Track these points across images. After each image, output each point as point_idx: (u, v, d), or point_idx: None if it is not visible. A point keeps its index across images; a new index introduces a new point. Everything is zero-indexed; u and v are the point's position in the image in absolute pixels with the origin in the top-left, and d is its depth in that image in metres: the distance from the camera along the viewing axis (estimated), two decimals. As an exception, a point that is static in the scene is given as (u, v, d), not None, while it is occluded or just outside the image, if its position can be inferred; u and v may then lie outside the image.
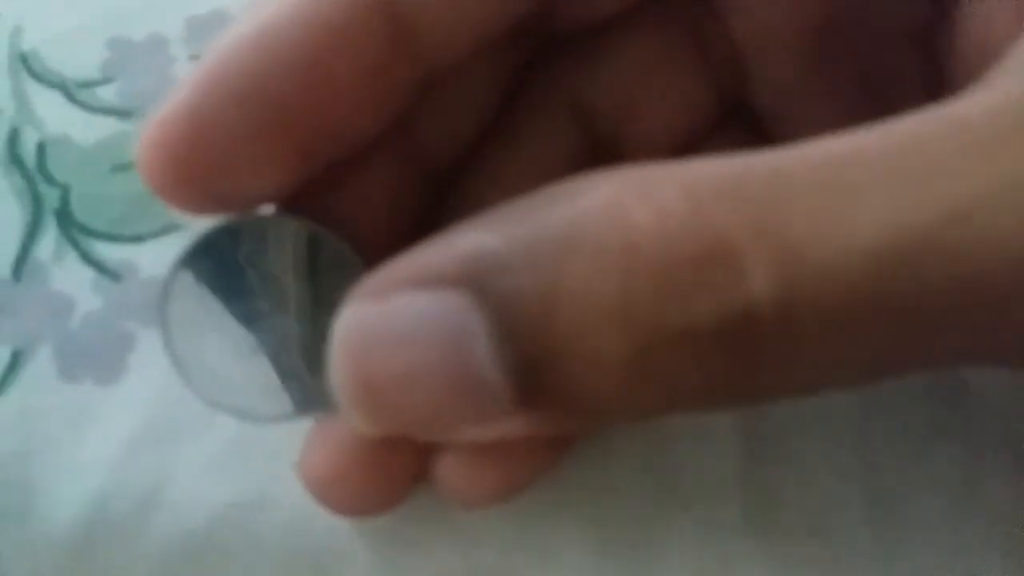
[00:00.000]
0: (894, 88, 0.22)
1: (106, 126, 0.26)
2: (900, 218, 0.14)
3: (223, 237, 0.19)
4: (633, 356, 0.15)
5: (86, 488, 0.22)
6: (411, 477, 0.20)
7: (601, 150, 0.22)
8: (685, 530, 0.22)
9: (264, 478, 0.22)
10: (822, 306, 0.14)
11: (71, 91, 0.27)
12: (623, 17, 0.22)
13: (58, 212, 0.25)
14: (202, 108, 0.17)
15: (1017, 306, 0.15)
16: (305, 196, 0.19)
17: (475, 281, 0.15)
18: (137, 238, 0.25)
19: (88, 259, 0.24)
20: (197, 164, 0.17)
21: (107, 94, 0.27)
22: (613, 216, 0.15)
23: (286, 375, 0.19)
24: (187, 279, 0.19)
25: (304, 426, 0.21)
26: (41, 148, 0.26)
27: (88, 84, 0.27)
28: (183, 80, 0.17)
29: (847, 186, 0.14)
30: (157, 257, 0.24)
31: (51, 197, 0.25)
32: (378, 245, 0.18)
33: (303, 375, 0.19)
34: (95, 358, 0.23)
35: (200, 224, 0.19)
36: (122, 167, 0.25)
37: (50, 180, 0.25)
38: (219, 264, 0.19)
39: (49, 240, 0.25)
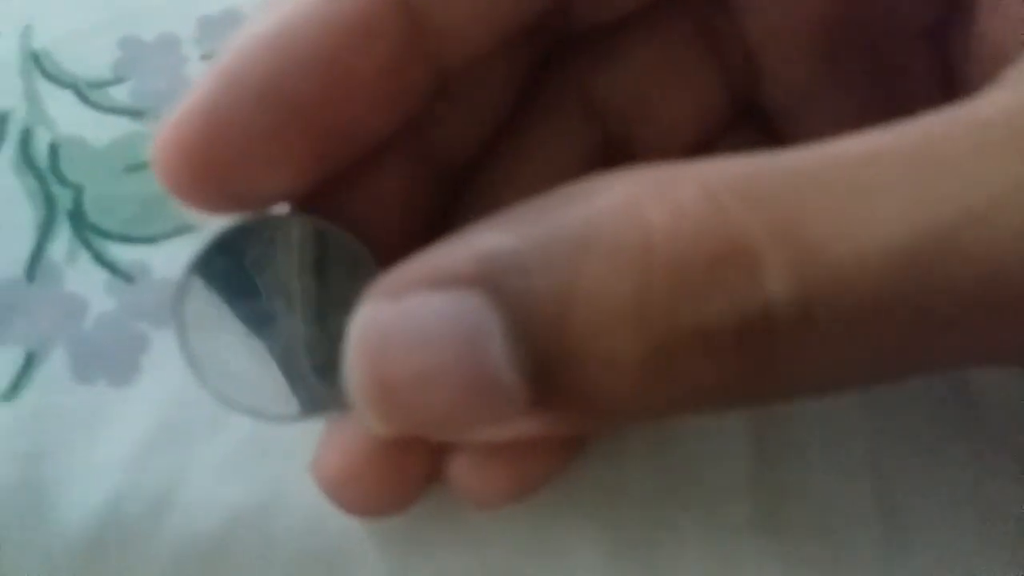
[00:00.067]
0: (907, 88, 0.22)
1: (119, 126, 0.26)
2: (916, 218, 0.14)
3: (237, 237, 0.19)
4: (649, 356, 0.15)
5: (100, 489, 0.22)
6: (424, 477, 0.20)
7: (614, 149, 0.22)
8: (696, 530, 0.22)
9: (277, 479, 0.22)
10: (838, 306, 0.14)
11: (83, 91, 0.27)
12: (636, 16, 0.22)
13: (71, 213, 0.25)
14: (218, 107, 0.17)
15: None
16: (319, 195, 0.19)
17: (490, 281, 0.15)
18: (150, 239, 0.25)
19: (101, 260, 0.24)
20: (212, 163, 0.17)
21: (119, 94, 0.27)
22: (629, 216, 0.15)
23: (293, 377, 0.19)
24: (201, 280, 0.19)
25: (318, 427, 0.21)
26: (54, 148, 0.26)
27: (100, 84, 0.27)
28: (199, 79, 0.17)
29: (863, 186, 0.14)
30: (170, 258, 0.24)
31: (64, 198, 0.25)
32: (392, 245, 0.18)
33: (310, 376, 0.19)
34: (109, 359, 0.23)
35: (213, 225, 0.19)
36: (135, 167, 0.25)
37: (63, 181, 0.25)
38: (232, 264, 0.19)
39: (62, 241, 0.25)
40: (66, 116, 0.26)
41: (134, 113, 0.26)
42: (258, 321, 0.19)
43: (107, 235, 0.25)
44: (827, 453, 0.22)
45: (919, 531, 0.21)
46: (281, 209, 0.19)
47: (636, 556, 0.21)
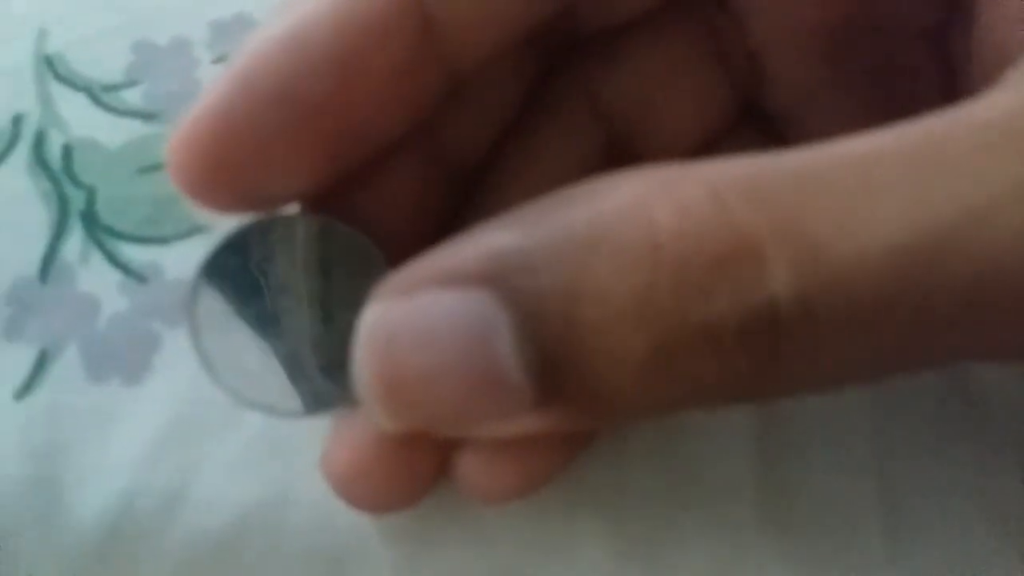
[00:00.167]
0: (909, 89, 0.22)
1: (131, 129, 0.26)
2: (919, 217, 0.14)
3: (246, 237, 0.19)
4: (654, 353, 0.15)
5: (112, 487, 0.22)
6: (432, 474, 0.20)
7: (619, 150, 0.22)
8: (700, 528, 0.22)
9: (287, 477, 0.22)
10: (842, 304, 0.14)
11: (96, 94, 0.27)
12: (641, 20, 0.22)
13: (84, 214, 0.25)
14: (232, 109, 0.17)
15: None
16: (331, 196, 0.19)
17: (498, 280, 0.15)
18: (162, 240, 0.25)
19: (114, 261, 0.24)
20: (226, 164, 0.17)
21: (132, 97, 0.27)
22: (636, 215, 0.15)
23: (297, 376, 0.19)
24: (212, 280, 0.19)
25: (327, 424, 0.21)
26: (67, 150, 0.26)
27: (113, 87, 0.27)
28: (212, 82, 0.17)
29: (867, 186, 0.15)
30: (182, 259, 0.24)
31: (77, 199, 0.25)
32: (402, 244, 0.18)
33: (315, 374, 0.19)
34: (121, 358, 0.23)
35: (225, 225, 0.19)
36: (148, 169, 0.26)
37: (76, 182, 0.25)
38: (241, 264, 0.19)
39: (75, 242, 0.25)
40: (79, 118, 0.26)
41: (147, 116, 0.27)
42: (266, 320, 0.19)
43: (120, 236, 0.25)
44: (830, 452, 0.22)
45: (921, 530, 0.21)
46: (293, 209, 0.19)
47: (640, 553, 0.21)
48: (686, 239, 0.15)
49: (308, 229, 0.19)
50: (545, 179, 0.18)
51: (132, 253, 0.25)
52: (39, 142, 0.26)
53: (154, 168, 0.26)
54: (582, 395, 0.16)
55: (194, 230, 0.25)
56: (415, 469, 0.19)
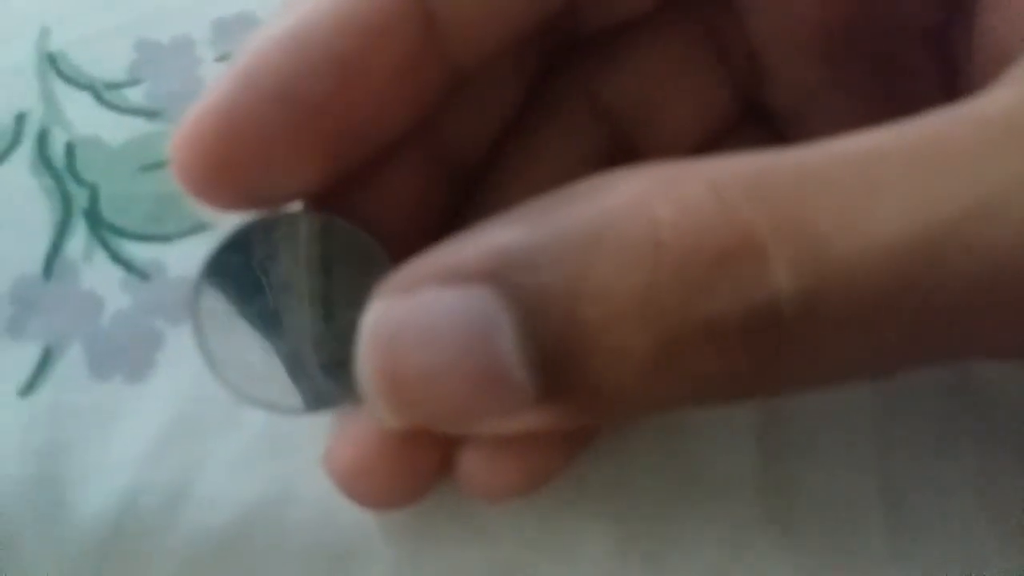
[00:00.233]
0: (910, 88, 0.22)
1: (134, 127, 0.26)
2: (921, 213, 0.14)
3: (249, 235, 0.19)
4: (657, 349, 0.15)
5: (115, 484, 0.22)
6: (435, 470, 0.20)
7: (620, 149, 0.22)
8: (702, 526, 0.22)
9: (290, 474, 0.22)
10: (844, 300, 0.14)
11: (99, 92, 0.27)
12: (642, 19, 0.22)
13: (87, 212, 0.25)
14: (236, 107, 0.17)
15: None
16: (334, 193, 0.19)
17: (501, 277, 0.15)
18: (165, 238, 0.25)
19: (117, 258, 0.25)
20: (229, 162, 0.17)
21: (135, 95, 0.27)
22: (638, 212, 0.15)
23: (298, 374, 0.19)
24: (215, 278, 0.19)
25: (330, 421, 0.21)
26: (70, 148, 0.26)
27: (116, 85, 0.27)
28: (215, 80, 0.17)
29: (869, 182, 0.15)
30: (185, 256, 0.24)
31: (80, 197, 0.25)
32: (405, 242, 0.18)
33: (316, 372, 0.19)
34: (124, 356, 0.23)
35: (228, 223, 0.19)
36: (151, 167, 0.26)
37: (79, 180, 0.26)
38: (243, 262, 0.19)
39: (79, 239, 0.25)
40: (82, 117, 0.27)
41: (149, 114, 0.27)
42: (268, 318, 0.19)
43: (123, 233, 0.25)
44: (831, 450, 0.22)
45: (923, 527, 0.21)
46: (295, 207, 0.19)
47: (643, 550, 0.21)
48: (688, 236, 0.15)
49: (310, 227, 0.19)
50: (546, 177, 0.18)
51: (135, 251, 0.25)
52: (42, 140, 0.26)
53: (157, 166, 0.26)
54: (584, 392, 0.16)
55: (197, 228, 0.25)
56: (417, 466, 0.19)
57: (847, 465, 0.22)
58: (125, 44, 0.28)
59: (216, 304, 0.19)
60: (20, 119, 0.26)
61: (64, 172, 0.26)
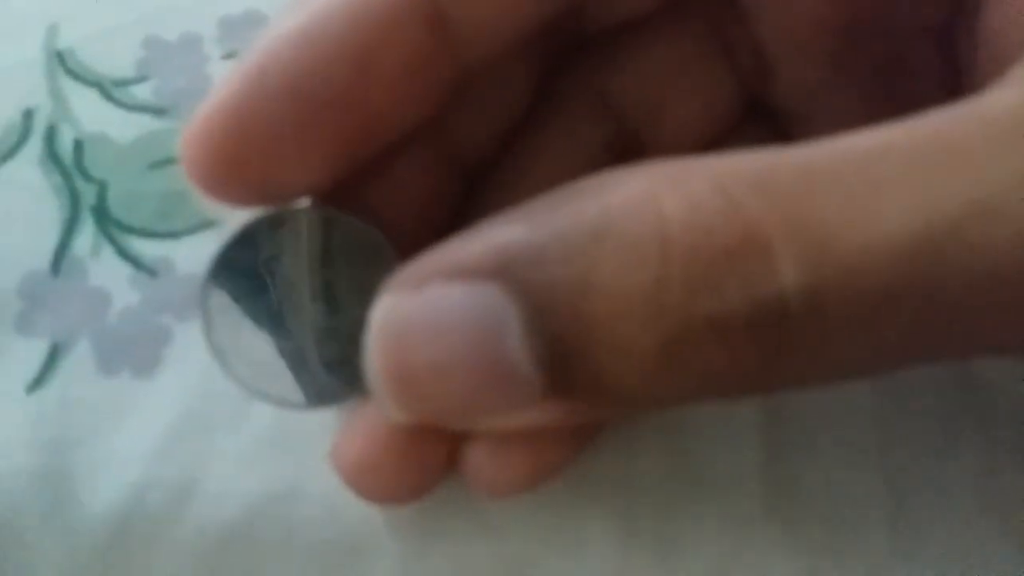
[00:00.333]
0: (914, 87, 0.22)
1: (142, 124, 0.26)
2: (925, 210, 0.14)
3: (257, 231, 0.19)
4: (663, 345, 0.15)
5: (123, 479, 0.22)
6: (441, 465, 0.20)
7: (626, 147, 0.22)
8: (708, 521, 0.22)
9: (297, 470, 0.22)
10: (849, 296, 0.15)
11: (107, 89, 0.27)
12: (648, 18, 0.22)
13: (95, 208, 0.25)
14: (246, 103, 0.17)
15: None
16: (342, 190, 0.19)
17: (508, 273, 0.15)
18: (173, 234, 0.25)
19: (125, 255, 0.25)
20: (240, 158, 0.17)
21: (143, 92, 0.27)
22: (645, 208, 0.15)
23: (300, 370, 0.19)
24: (224, 274, 0.19)
25: (337, 417, 0.21)
26: (78, 145, 0.26)
27: (124, 82, 0.27)
28: (224, 77, 0.18)
29: (874, 179, 0.15)
30: (193, 253, 0.25)
31: (88, 194, 0.25)
32: (413, 238, 0.18)
33: (319, 368, 0.19)
34: (132, 352, 0.23)
35: (235, 220, 0.19)
36: (158, 164, 0.26)
37: (87, 177, 0.26)
38: (251, 259, 0.19)
39: (87, 236, 0.25)
40: (90, 114, 0.27)
41: (157, 111, 0.27)
42: (273, 314, 0.19)
43: (131, 230, 0.25)
44: (837, 445, 0.22)
45: (925, 524, 0.21)
46: (304, 203, 0.19)
47: (647, 545, 0.22)
48: (694, 233, 0.15)
49: (318, 223, 0.19)
50: (553, 174, 0.19)
51: (143, 247, 0.25)
52: (50, 137, 0.26)
53: (165, 163, 0.26)
54: (590, 388, 0.16)
55: (204, 225, 0.25)
56: (424, 461, 0.20)
57: (849, 463, 0.22)
58: (133, 41, 0.28)
59: (224, 300, 0.19)
60: (28, 116, 0.26)
61: (72, 169, 0.26)
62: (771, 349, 0.15)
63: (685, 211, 0.15)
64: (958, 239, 0.14)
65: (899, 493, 0.22)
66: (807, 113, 0.23)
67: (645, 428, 0.22)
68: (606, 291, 0.15)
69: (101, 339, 0.24)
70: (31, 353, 0.23)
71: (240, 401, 0.22)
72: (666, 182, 0.15)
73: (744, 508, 0.22)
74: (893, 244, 0.14)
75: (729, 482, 0.22)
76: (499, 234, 0.16)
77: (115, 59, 0.27)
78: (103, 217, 0.25)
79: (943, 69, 0.21)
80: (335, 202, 0.19)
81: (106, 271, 0.24)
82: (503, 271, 0.16)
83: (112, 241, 0.25)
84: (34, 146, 0.26)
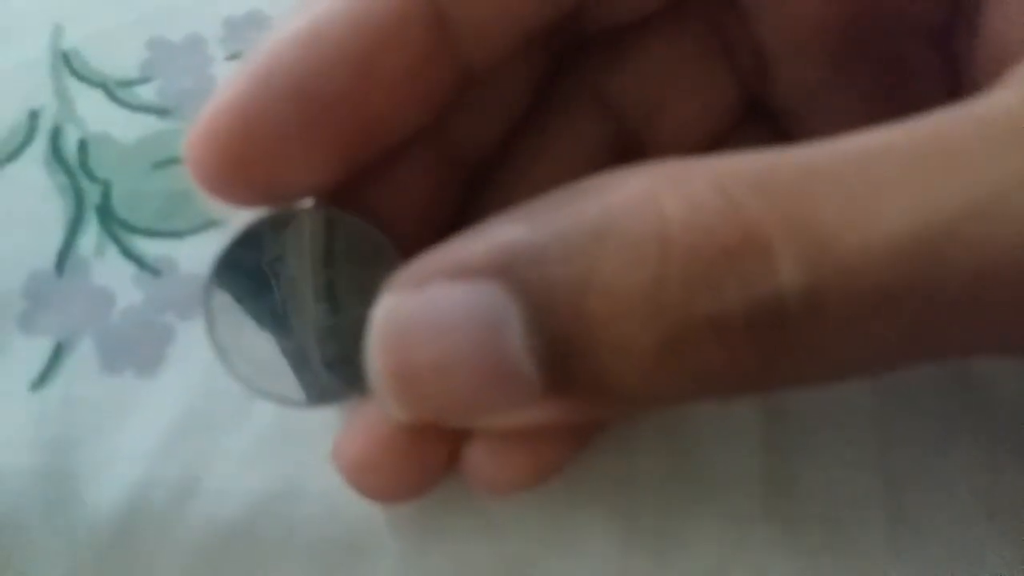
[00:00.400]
0: (914, 88, 0.22)
1: (146, 124, 0.27)
2: (924, 211, 0.14)
3: (260, 231, 0.19)
4: (663, 345, 0.15)
5: (126, 477, 0.22)
6: (442, 464, 0.20)
7: (627, 147, 0.22)
8: (708, 520, 0.22)
9: (298, 468, 0.22)
10: (848, 296, 0.15)
11: (112, 90, 0.27)
12: (649, 18, 0.23)
13: (99, 208, 0.25)
14: (250, 104, 0.17)
15: None
16: (346, 190, 0.19)
17: (509, 272, 0.16)
18: (177, 234, 0.25)
19: (129, 254, 0.25)
20: (244, 158, 0.17)
21: (147, 93, 0.27)
22: (646, 208, 0.15)
23: (302, 368, 0.19)
24: (227, 273, 0.19)
25: (338, 415, 0.21)
26: (83, 145, 0.26)
27: (128, 83, 0.27)
28: (228, 78, 0.18)
29: (873, 180, 0.15)
30: (196, 253, 0.25)
31: (93, 193, 0.25)
32: (415, 238, 0.18)
33: (320, 367, 0.19)
34: (135, 351, 0.23)
35: (238, 220, 0.19)
36: (162, 164, 0.26)
37: (92, 177, 0.26)
38: (254, 258, 0.19)
39: (91, 235, 0.25)
40: (95, 114, 0.27)
41: (161, 111, 0.27)
42: (276, 313, 0.19)
43: (134, 230, 0.25)
44: (834, 446, 0.22)
45: (925, 523, 0.22)
46: (307, 203, 0.20)
47: (646, 544, 0.22)
48: (694, 232, 0.15)
49: (321, 223, 0.19)
50: (554, 175, 0.19)
51: (146, 247, 0.25)
52: (55, 137, 0.26)
53: (169, 163, 0.26)
54: (591, 387, 0.16)
55: (207, 224, 0.25)
56: (425, 460, 0.20)
57: (848, 462, 0.22)
58: (137, 42, 0.28)
59: (227, 299, 0.19)
60: (33, 116, 0.27)
61: (77, 169, 0.26)
62: (770, 349, 0.15)
63: (685, 211, 0.15)
64: (957, 240, 0.14)
65: (898, 493, 0.22)
66: (807, 113, 0.23)
67: (645, 428, 0.23)
68: (607, 290, 0.15)
69: (104, 338, 0.24)
70: (35, 352, 0.23)
71: (242, 400, 0.22)
72: (666, 182, 0.15)
73: (744, 508, 0.22)
74: (892, 244, 0.14)
75: (729, 482, 0.22)
76: (500, 234, 0.16)
77: (119, 60, 0.28)
78: (107, 217, 0.25)
79: (943, 69, 0.21)
80: (338, 202, 0.19)
81: (110, 270, 0.25)
82: (504, 270, 0.16)
83: (116, 240, 0.25)
84: (39, 146, 0.26)
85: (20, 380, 0.23)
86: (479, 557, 0.22)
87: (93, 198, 0.25)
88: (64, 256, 0.25)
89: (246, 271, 0.19)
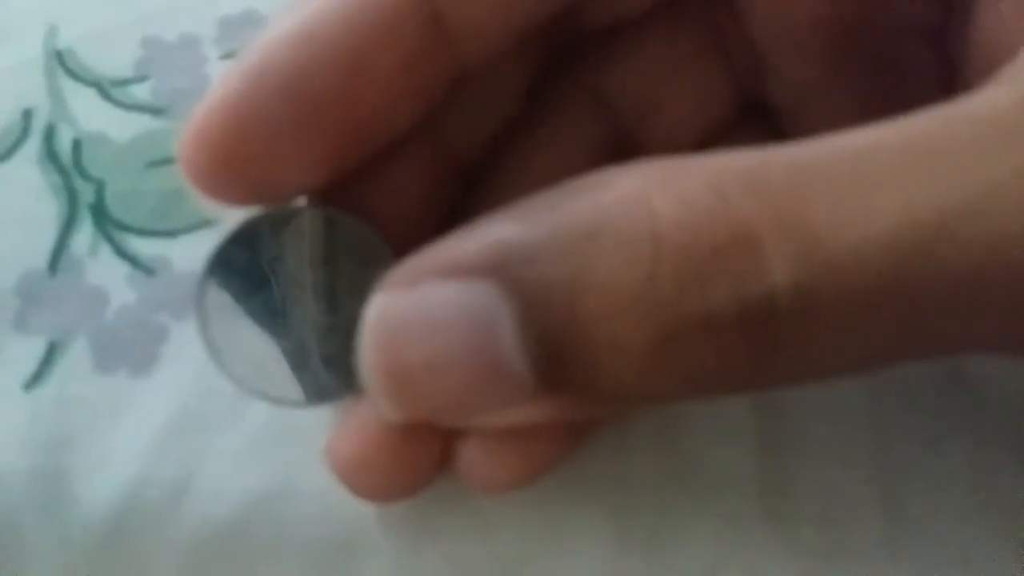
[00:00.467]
0: (908, 86, 0.22)
1: (140, 123, 0.27)
2: (915, 208, 0.14)
3: (254, 230, 0.19)
4: (655, 343, 0.15)
5: (119, 476, 0.22)
6: (435, 463, 0.20)
7: (622, 145, 0.22)
8: (702, 520, 0.22)
9: (291, 468, 0.22)
10: (839, 294, 0.15)
11: (106, 89, 0.27)
12: (644, 17, 0.23)
13: (93, 207, 0.25)
14: (244, 103, 0.17)
15: None
16: (339, 188, 0.19)
17: (502, 271, 0.16)
18: (170, 233, 0.25)
19: (122, 253, 0.25)
20: (237, 157, 0.17)
21: (141, 92, 0.27)
22: (638, 206, 0.15)
23: (300, 367, 0.19)
24: (221, 272, 0.19)
25: (331, 415, 0.21)
26: (77, 144, 0.26)
27: (122, 82, 0.27)
28: (222, 77, 0.18)
29: (865, 178, 0.15)
30: (190, 252, 0.25)
31: (86, 193, 0.25)
32: (408, 236, 0.18)
33: (318, 366, 0.19)
34: (129, 350, 0.23)
35: (232, 219, 0.19)
36: (156, 163, 0.26)
37: (85, 176, 0.26)
38: (248, 257, 0.19)
39: (84, 235, 0.25)
40: (89, 113, 0.27)
41: (155, 111, 0.27)
42: (271, 312, 0.19)
43: (128, 229, 0.25)
44: (829, 444, 0.22)
45: (920, 521, 0.22)
46: (300, 202, 0.19)
47: (640, 543, 0.22)
48: (686, 230, 0.15)
49: (315, 221, 0.19)
50: (548, 173, 0.19)
51: (140, 246, 0.25)
52: (49, 136, 0.26)
53: (162, 162, 0.26)
54: (583, 385, 0.16)
55: (201, 224, 0.25)
56: (418, 459, 0.20)
57: (843, 461, 0.22)
58: (132, 41, 0.28)
59: (221, 298, 0.19)
60: (27, 115, 0.27)
61: (71, 168, 0.26)
62: (762, 347, 0.15)
63: (677, 209, 0.15)
64: (947, 238, 0.14)
65: (893, 491, 0.22)
66: (803, 112, 0.23)
67: (640, 426, 0.23)
68: (599, 289, 0.15)
69: (98, 337, 0.24)
70: (28, 351, 0.23)
71: (235, 399, 0.22)
72: (659, 181, 0.15)
73: (740, 507, 0.22)
74: (882, 243, 0.14)
75: (724, 481, 0.22)
76: (493, 232, 0.16)
77: (114, 59, 0.28)
78: (101, 216, 0.25)
79: (938, 68, 0.21)
80: (331, 201, 0.19)
81: (104, 270, 0.25)
82: (497, 269, 0.16)
83: (110, 240, 0.25)
84: (33, 145, 0.26)
85: (13, 380, 0.23)
86: (473, 556, 0.22)
87: (87, 197, 0.25)
88: (58, 255, 0.25)
89: (240, 270, 0.19)
